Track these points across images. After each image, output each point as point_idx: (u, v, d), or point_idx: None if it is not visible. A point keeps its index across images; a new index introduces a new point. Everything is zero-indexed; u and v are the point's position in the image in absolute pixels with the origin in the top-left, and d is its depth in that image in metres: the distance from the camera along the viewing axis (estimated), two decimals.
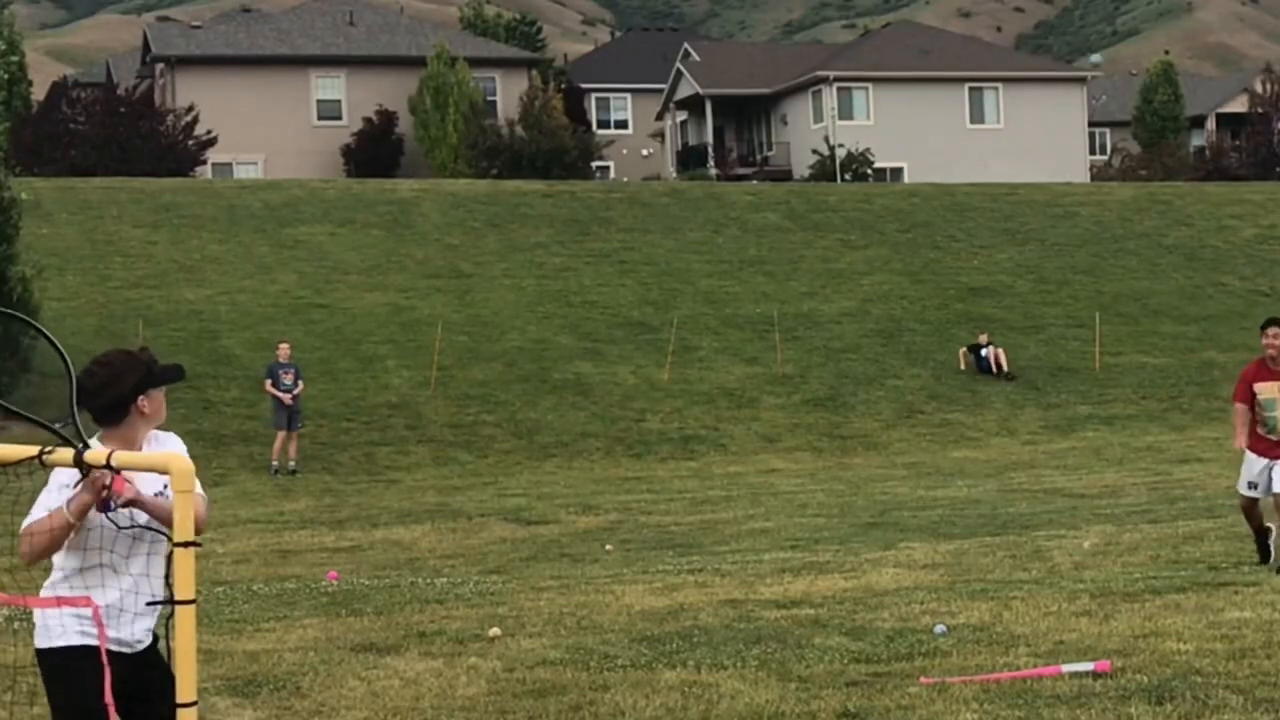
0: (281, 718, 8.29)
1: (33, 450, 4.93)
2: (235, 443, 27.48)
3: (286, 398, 25.97)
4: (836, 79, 63.72)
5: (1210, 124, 79.88)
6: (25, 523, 5.23)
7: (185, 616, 4.71)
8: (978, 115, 64.92)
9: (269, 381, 26.33)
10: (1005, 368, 33.53)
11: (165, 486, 5.24)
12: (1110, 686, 8.13)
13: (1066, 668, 8.55)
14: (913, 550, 14.72)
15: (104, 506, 5.10)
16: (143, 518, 5.27)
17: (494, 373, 32.01)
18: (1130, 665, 8.62)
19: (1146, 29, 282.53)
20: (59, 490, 5.22)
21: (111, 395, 5.29)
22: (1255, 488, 12.66)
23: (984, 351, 33.82)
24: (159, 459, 4.98)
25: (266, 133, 59.61)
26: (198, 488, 4.87)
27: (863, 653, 9.34)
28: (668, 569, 14.13)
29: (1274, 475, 12.49)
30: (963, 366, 33.84)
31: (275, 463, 26.03)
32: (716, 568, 14.00)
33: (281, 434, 26.13)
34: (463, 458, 27.79)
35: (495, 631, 10.60)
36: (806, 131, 64.48)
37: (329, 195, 44.35)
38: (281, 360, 26.48)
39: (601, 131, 68.56)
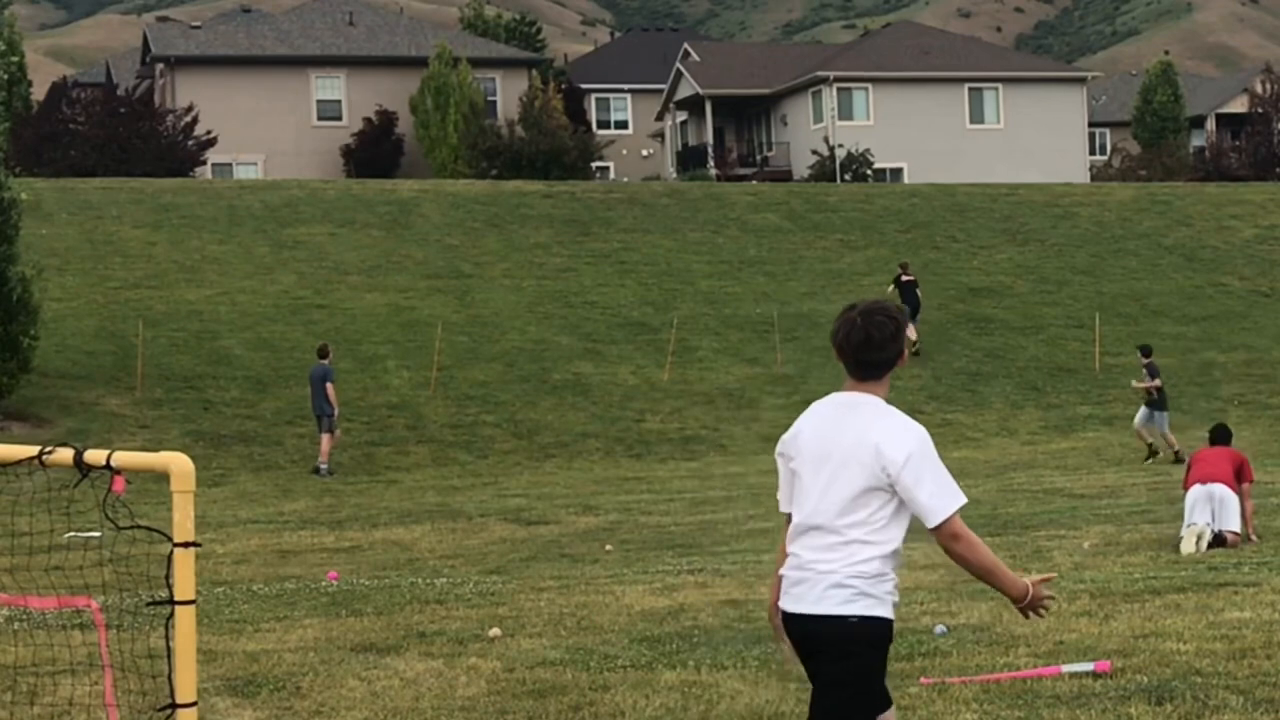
0: (281, 718, 8.28)
1: (33, 450, 4.93)
2: (235, 443, 27.47)
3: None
4: (836, 79, 63.67)
5: (1210, 124, 79.86)
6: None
7: (185, 616, 4.71)
8: (978, 115, 64.86)
9: (332, 387, 26.30)
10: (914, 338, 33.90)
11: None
12: (1110, 686, 8.13)
13: (1066, 668, 8.55)
14: (913, 550, 14.65)
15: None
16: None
17: (494, 373, 32.00)
18: (1130, 665, 8.62)
19: (1146, 29, 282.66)
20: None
21: (893, 350, 5.20)
22: None
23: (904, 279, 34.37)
24: (159, 459, 4.97)
25: (266, 133, 59.61)
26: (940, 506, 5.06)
27: None
28: (668, 569, 14.13)
29: None
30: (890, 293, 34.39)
31: (326, 464, 26.12)
32: (716, 568, 14.00)
33: (333, 435, 26.40)
34: (463, 458, 27.78)
35: (495, 631, 10.60)
36: (806, 132, 64.44)
37: (329, 195, 44.35)
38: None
39: (601, 132, 68.56)
